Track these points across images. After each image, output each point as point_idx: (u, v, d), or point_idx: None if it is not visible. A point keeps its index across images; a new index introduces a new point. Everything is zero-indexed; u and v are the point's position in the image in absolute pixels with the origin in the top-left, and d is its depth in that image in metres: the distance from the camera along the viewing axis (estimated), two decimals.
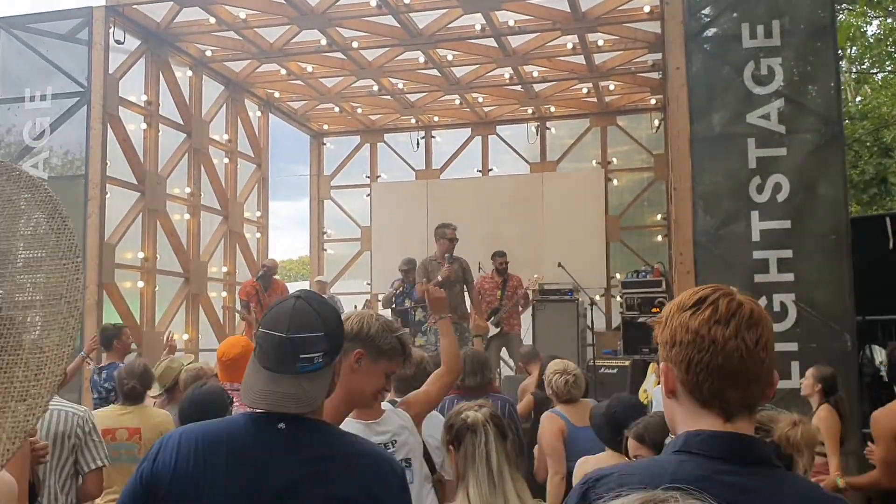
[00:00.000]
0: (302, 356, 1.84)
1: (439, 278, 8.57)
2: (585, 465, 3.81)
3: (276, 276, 11.38)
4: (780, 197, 7.55)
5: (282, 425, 1.82)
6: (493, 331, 9.95)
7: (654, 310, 10.57)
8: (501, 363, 10.61)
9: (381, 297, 13.54)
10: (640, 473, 1.44)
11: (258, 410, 1.85)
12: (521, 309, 10.44)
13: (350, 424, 3.45)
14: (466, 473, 2.69)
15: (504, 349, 10.24)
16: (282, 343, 1.85)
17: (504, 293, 10.15)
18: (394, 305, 10.44)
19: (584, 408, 4.73)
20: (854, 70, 19.63)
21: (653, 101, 12.81)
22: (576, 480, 3.86)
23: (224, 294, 12.02)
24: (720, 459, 1.41)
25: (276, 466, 1.76)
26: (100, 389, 6.46)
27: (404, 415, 3.43)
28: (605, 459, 3.85)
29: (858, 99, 18.84)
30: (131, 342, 6.96)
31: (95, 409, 6.55)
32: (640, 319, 10.73)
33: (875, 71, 20.04)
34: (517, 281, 10.27)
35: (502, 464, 2.71)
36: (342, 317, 2.47)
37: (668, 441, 2.39)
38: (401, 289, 10.43)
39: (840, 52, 17.65)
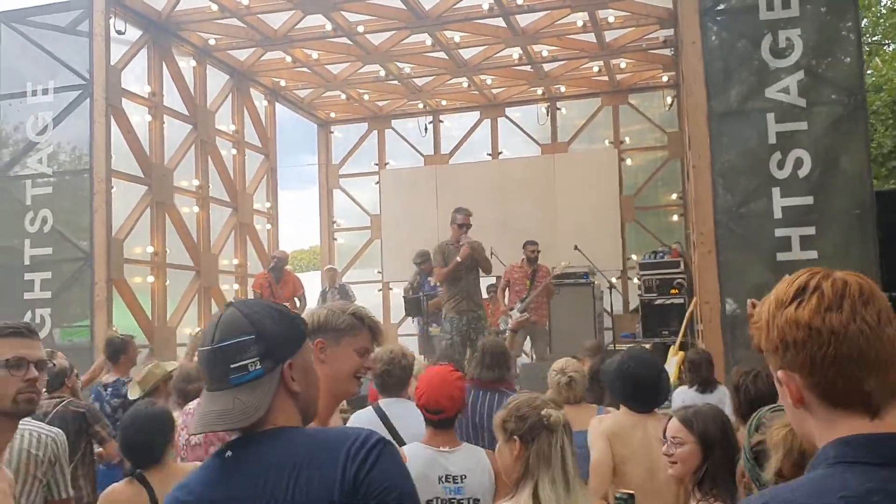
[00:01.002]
0: (232, 366, 1.66)
1: (458, 259, 8.39)
2: (602, 425, 3.67)
3: (288, 267, 11.25)
4: (802, 172, 7.37)
5: (228, 453, 1.67)
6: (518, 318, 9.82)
7: (672, 291, 10.40)
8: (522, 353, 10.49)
9: (392, 285, 13.52)
10: (800, 498, 1.24)
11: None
12: (544, 298, 10.25)
13: (419, 449, 3.30)
14: (538, 472, 2.57)
15: (529, 339, 10.08)
16: (208, 356, 1.69)
17: (533, 284, 10.00)
18: (411, 293, 10.37)
19: (578, 411, 4.48)
20: (866, 42, 19.29)
21: (665, 79, 12.59)
22: (591, 439, 3.68)
23: (236, 286, 11.91)
24: (885, 466, 1.22)
25: (229, 499, 1.62)
26: (104, 406, 6.18)
27: (485, 457, 3.31)
28: (620, 417, 3.71)
29: (869, 72, 18.51)
30: (137, 354, 6.62)
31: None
32: (659, 301, 10.57)
33: (886, 42, 19.69)
34: (546, 271, 10.12)
35: (575, 469, 2.63)
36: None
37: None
38: (416, 281, 10.34)
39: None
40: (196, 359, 1.83)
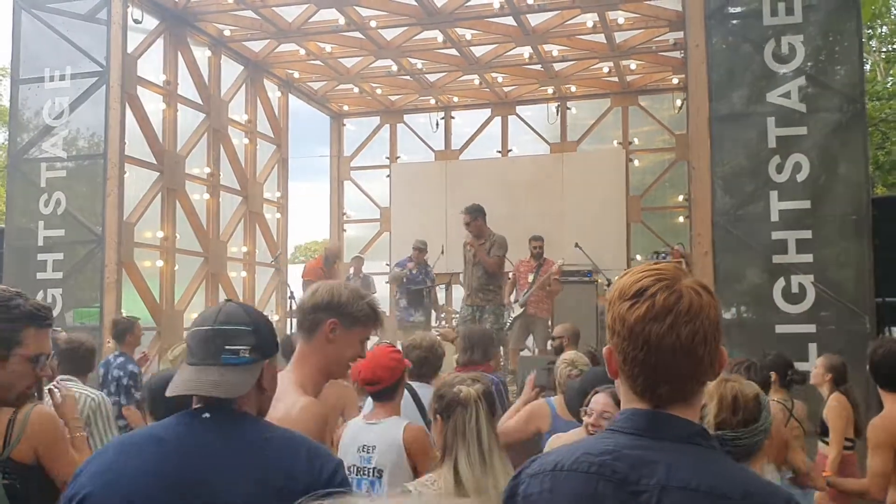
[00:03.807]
0: (227, 347, 1.88)
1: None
2: (558, 441, 3.73)
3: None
4: (800, 177, 7.46)
5: (206, 414, 1.84)
6: (518, 311, 9.99)
7: None
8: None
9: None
10: (557, 452, 1.48)
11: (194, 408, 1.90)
12: (548, 291, 10.38)
13: (354, 421, 3.53)
14: (455, 447, 2.72)
15: (531, 333, 10.26)
16: (207, 334, 1.89)
17: (537, 277, 10.17)
18: (408, 285, 10.50)
19: None
20: (884, 49, 19.27)
21: (675, 81, 12.67)
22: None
23: (244, 274, 12.13)
24: (635, 435, 1.43)
25: (198, 452, 1.79)
26: (113, 381, 6.51)
27: (399, 431, 3.46)
28: (580, 434, 3.77)
29: (890, 80, 18.50)
30: (142, 335, 7.03)
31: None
32: None
33: None
34: (551, 265, 10.28)
35: (492, 443, 2.75)
36: (312, 290, 2.53)
37: None
38: (415, 269, 10.48)
39: (870, 30, 17.39)
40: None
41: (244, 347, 1.88)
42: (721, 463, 1.44)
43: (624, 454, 1.40)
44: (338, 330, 2.46)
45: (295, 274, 14.19)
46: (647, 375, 1.44)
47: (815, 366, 5.95)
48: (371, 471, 3.38)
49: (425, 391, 4.11)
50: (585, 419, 3.10)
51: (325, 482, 1.79)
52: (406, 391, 4.07)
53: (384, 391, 3.52)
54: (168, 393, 1.87)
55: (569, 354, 4.98)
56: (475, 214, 9.12)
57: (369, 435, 3.43)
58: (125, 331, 6.72)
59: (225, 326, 1.89)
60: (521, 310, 9.90)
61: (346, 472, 3.31)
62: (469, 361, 5.12)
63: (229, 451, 1.78)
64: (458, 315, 9.54)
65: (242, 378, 1.87)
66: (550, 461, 1.46)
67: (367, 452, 3.39)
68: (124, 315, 7.74)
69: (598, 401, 3.10)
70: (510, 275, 10.89)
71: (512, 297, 10.31)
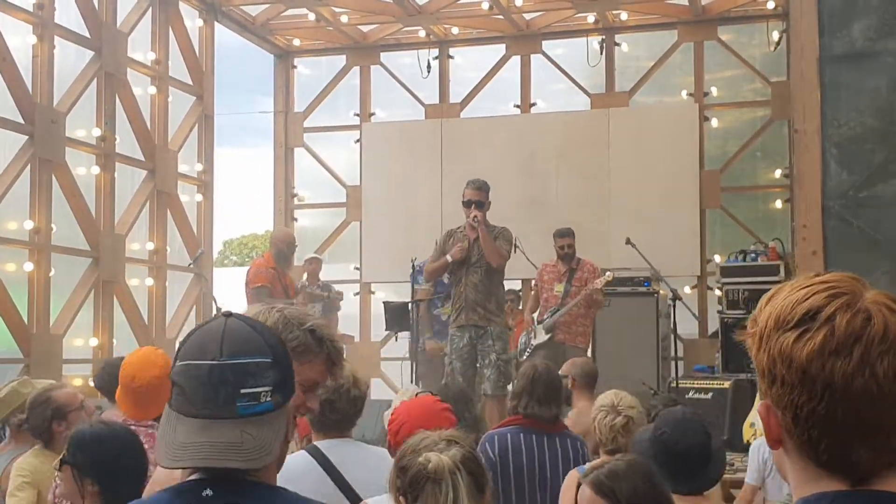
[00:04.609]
0: (243, 391, 1.80)
1: (447, 257, 8.79)
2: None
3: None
4: None
5: (207, 492, 1.79)
6: (543, 337, 9.90)
7: None
8: None
9: (374, 287, 13.56)
10: None
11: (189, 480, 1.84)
12: (585, 311, 10.27)
13: None
14: None
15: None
16: (212, 372, 1.81)
17: (569, 288, 10.03)
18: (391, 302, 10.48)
19: None
20: None
21: (770, 5, 12.66)
22: None
23: (150, 282, 12.04)
24: None
25: None
26: None
27: None
28: None
29: None
30: None
31: None
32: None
33: None
34: (589, 270, 10.15)
35: None
36: None
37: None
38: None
39: None
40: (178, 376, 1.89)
41: (265, 389, 1.82)
42: None
43: None
44: None
45: (225, 281, 14.16)
46: (835, 437, 1.37)
47: None
48: None
49: (343, 451, 3.97)
50: None
51: None
52: (308, 455, 3.95)
53: None
54: (163, 463, 1.82)
55: (606, 397, 5.02)
56: (488, 192, 8.96)
57: None
58: None
59: (238, 360, 1.82)
60: (548, 336, 9.79)
61: None
62: (548, 417, 5.22)
63: None
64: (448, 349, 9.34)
65: (269, 434, 1.82)
66: None
67: None
68: None
69: (584, 497, 3.06)
70: (532, 284, 10.81)
71: (535, 316, 10.23)
